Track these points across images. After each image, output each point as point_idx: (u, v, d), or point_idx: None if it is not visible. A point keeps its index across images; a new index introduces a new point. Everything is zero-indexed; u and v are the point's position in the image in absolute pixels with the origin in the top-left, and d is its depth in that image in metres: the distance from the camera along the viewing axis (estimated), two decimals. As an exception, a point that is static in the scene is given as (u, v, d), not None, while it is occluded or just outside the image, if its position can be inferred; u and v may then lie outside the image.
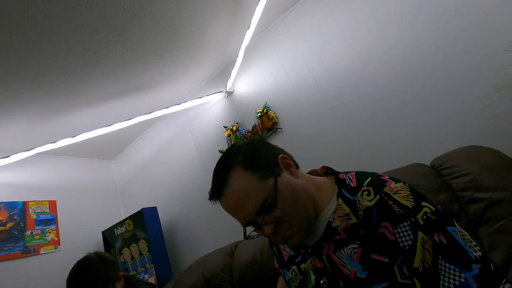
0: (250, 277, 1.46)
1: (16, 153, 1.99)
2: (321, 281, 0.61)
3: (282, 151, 0.73)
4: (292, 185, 0.64)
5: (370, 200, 0.59)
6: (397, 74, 1.56)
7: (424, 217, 0.54)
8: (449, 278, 0.50)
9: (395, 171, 1.26)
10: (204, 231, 2.29)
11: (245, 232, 0.68)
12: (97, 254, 1.23)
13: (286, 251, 0.77)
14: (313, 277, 0.62)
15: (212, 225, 2.24)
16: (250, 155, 0.66)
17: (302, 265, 0.70)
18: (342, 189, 0.65)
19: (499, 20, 1.31)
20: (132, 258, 2.34)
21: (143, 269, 2.25)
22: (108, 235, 2.56)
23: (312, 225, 0.67)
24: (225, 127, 2.22)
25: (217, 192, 0.66)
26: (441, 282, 0.50)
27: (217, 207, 2.30)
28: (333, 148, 1.72)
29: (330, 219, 0.64)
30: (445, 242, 0.52)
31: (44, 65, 1.69)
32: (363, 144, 1.63)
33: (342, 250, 0.61)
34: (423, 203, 0.56)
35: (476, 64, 1.35)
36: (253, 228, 0.66)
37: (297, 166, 0.72)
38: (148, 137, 2.90)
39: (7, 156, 1.98)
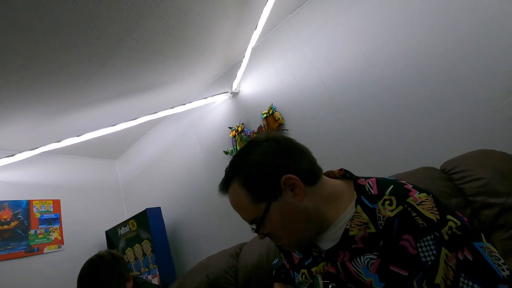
0: (256, 280, 1.45)
1: (21, 152, 1.99)
2: (330, 286, 0.60)
3: (296, 164, 0.65)
4: (286, 211, 0.63)
5: (392, 210, 0.57)
6: (404, 75, 1.55)
7: (449, 232, 0.51)
8: None
9: (404, 174, 1.24)
10: (208, 232, 2.28)
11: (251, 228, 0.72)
12: (109, 252, 1.22)
13: (296, 253, 0.75)
14: (321, 281, 0.61)
15: (216, 226, 2.23)
16: (252, 171, 0.65)
17: (314, 268, 0.68)
18: (362, 196, 0.63)
19: (508, 22, 1.29)
20: (136, 258, 2.33)
21: (147, 269, 2.24)
22: (111, 235, 2.55)
23: (307, 241, 0.69)
24: (230, 128, 2.21)
25: (221, 192, 0.72)
26: None
27: (221, 209, 2.28)
28: (339, 150, 1.71)
29: (347, 227, 0.62)
30: (470, 259, 0.49)
31: (50, 64, 1.68)
32: (369, 146, 1.62)
33: (358, 259, 0.59)
34: (448, 217, 0.53)
35: (485, 66, 1.33)
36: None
37: (315, 178, 0.66)
38: (153, 137, 2.90)
39: (12, 155, 1.98)
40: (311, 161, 0.68)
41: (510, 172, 0.99)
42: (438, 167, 1.22)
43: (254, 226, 0.67)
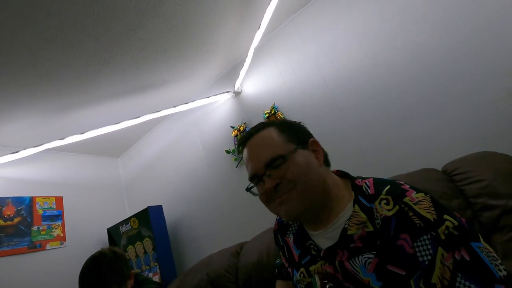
0: (256, 278, 1.45)
1: (24, 148, 2.00)
2: (327, 286, 0.61)
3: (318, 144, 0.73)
4: (309, 162, 0.66)
5: (389, 210, 0.57)
6: (406, 75, 1.55)
7: (446, 231, 0.51)
8: None
9: (406, 175, 1.24)
10: (209, 231, 2.29)
11: (248, 185, 0.71)
12: (111, 250, 1.22)
13: (296, 251, 0.76)
14: (319, 282, 0.62)
15: (217, 225, 2.24)
16: (288, 123, 0.74)
17: (312, 267, 0.68)
18: (359, 196, 0.64)
19: (511, 23, 1.29)
20: (137, 256, 2.35)
21: (147, 267, 2.25)
22: (113, 233, 2.57)
23: (320, 215, 0.67)
24: (232, 127, 2.22)
25: (247, 136, 0.72)
26: None
27: (222, 208, 2.27)
28: (341, 149, 1.71)
29: (345, 226, 0.62)
30: (467, 259, 0.49)
31: (55, 62, 1.70)
32: (371, 146, 1.62)
33: (356, 259, 0.60)
34: (445, 216, 0.53)
35: (488, 67, 1.33)
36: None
37: (328, 163, 0.73)
38: (155, 135, 2.91)
39: (16, 152, 2.00)
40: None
41: (511, 174, 0.99)
42: (440, 169, 1.23)
43: (267, 172, 0.65)
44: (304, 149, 0.68)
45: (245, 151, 0.71)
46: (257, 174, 0.67)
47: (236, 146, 0.77)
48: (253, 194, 0.70)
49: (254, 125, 0.75)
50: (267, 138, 0.69)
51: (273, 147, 0.66)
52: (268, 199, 0.67)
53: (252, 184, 0.70)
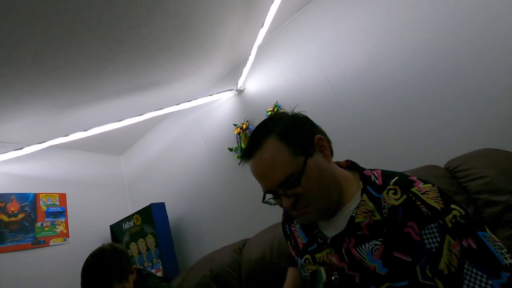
0: (259, 274, 1.46)
1: (29, 145, 2.02)
2: (333, 278, 0.63)
3: (322, 133, 0.71)
4: (321, 168, 0.64)
5: (397, 200, 0.59)
6: (409, 74, 1.56)
7: (453, 220, 0.53)
8: (474, 283, 0.49)
9: (409, 172, 1.25)
10: (211, 228, 2.30)
11: (264, 196, 0.69)
12: (111, 245, 1.23)
13: (300, 238, 0.77)
14: (324, 274, 0.64)
15: (219, 223, 2.25)
16: (289, 127, 0.66)
17: (318, 255, 0.69)
18: (367, 186, 0.65)
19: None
20: (139, 252, 2.36)
21: (150, 264, 2.27)
22: (116, 230, 2.58)
23: (331, 210, 0.67)
24: (235, 125, 2.23)
25: (248, 154, 0.67)
26: (464, 287, 0.49)
27: (224, 205, 2.27)
28: (344, 147, 1.71)
29: (353, 214, 0.63)
30: (474, 247, 0.50)
31: (58, 59, 1.71)
32: (374, 144, 1.63)
33: (363, 246, 0.61)
34: (452, 206, 0.55)
35: (490, 66, 1.34)
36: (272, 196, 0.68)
37: (332, 153, 0.71)
38: (158, 133, 2.92)
39: (20, 148, 2.02)
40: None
41: (514, 170, 1.00)
42: (442, 165, 1.23)
43: (281, 191, 0.63)
44: (313, 155, 0.64)
45: (252, 168, 0.67)
46: (271, 191, 0.66)
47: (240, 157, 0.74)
48: (270, 204, 0.69)
49: (254, 128, 0.71)
50: (274, 156, 0.63)
51: (283, 166, 0.62)
52: (286, 209, 0.70)
53: (268, 196, 0.69)
